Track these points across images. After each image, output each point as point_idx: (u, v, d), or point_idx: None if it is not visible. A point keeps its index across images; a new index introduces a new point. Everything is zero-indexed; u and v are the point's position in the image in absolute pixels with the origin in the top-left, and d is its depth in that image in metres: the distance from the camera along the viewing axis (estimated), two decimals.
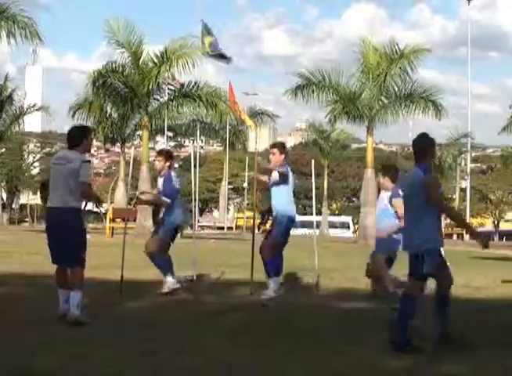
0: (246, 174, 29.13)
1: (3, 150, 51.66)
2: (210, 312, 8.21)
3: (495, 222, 66.71)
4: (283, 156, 9.71)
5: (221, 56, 32.79)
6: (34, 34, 26.32)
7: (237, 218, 59.95)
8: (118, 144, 37.48)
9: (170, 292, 9.62)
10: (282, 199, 9.52)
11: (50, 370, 5.40)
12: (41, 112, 40.45)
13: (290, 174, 9.67)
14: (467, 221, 45.67)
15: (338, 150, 51.36)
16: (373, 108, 28.91)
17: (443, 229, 11.24)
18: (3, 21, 26.18)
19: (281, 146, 9.88)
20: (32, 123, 55.70)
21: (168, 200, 9.73)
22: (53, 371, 5.37)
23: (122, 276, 9.65)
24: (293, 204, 9.73)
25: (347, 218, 59.62)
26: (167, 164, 10.00)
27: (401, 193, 9.24)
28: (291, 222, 9.55)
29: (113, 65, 27.34)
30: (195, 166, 12.62)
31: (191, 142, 59.83)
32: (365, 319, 8.08)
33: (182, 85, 28.48)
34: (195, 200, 12.73)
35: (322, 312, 8.55)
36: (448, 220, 54.02)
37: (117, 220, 28.81)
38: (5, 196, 60.49)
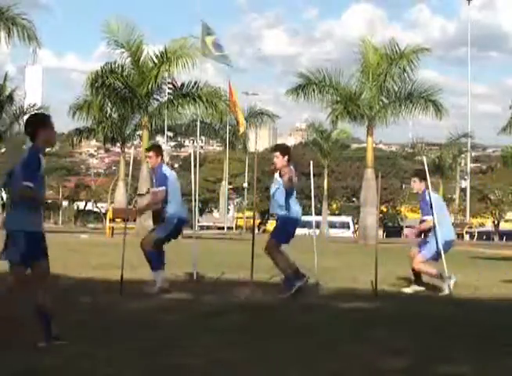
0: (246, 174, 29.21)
1: (3, 150, 51.61)
2: (210, 312, 8.21)
3: (495, 222, 66.72)
4: (286, 158, 9.77)
5: (223, 57, 32.81)
6: (33, 37, 26.38)
7: (237, 218, 59.94)
8: (118, 144, 37.47)
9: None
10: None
11: (50, 370, 5.40)
12: (41, 112, 40.44)
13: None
14: (467, 221, 45.70)
15: (338, 150, 51.39)
16: (373, 108, 28.94)
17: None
18: (3, 22, 26.23)
19: (283, 149, 9.96)
20: None
21: (160, 188, 9.89)
22: (53, 371, 5.37)
23: (122, 276, 9.65)
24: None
25: (348, 218, 59.62)
26: (159, 158, 10.21)
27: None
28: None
29: (113, 66, 27.34)
30: (195, 166, 12.62)
31: (191, 142, 59.88)
32: (365, 319, 8.08)
33: (182, 85, 28.50)
34: (195, 200, 12.73)
35: (321, 311, 8.55)
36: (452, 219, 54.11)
37: (117, 220, 28.82)
38: (5, 196, 60.45)
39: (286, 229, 9.82)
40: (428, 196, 10.46)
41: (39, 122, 6.44)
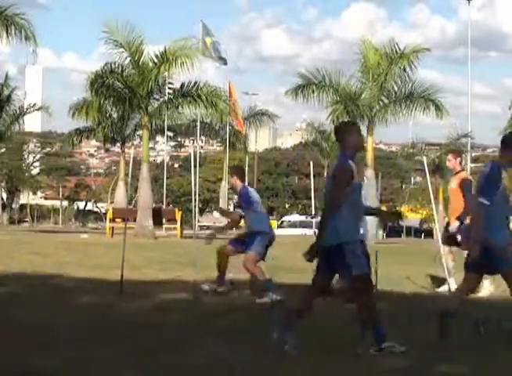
0: (247, 174, 29.20)
1: (3, 150, 51.62)
2: (211, 313, 8.21)
3: None
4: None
5: (219, 58, 33.07)
6: (31, 36, 26.35)
7: None
8: (118, 144, 37.46)
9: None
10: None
11: (50, 370, 5.40)
12: (41, 112, 40.44)
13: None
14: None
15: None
16: (373, 108, 28.91)
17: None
18: (0, 21, 26.20)
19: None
20: (32, 123, 55.62)
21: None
22: (53, 371, 5.37)
23: (122, 276, 9.65)
24: None
25: None
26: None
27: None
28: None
29: (113, 66, 27.29)
30: (195, 166, 12.62)
31: (191, 142, 59.74)
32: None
33: (182, 85, 28.46)
34: (195, 200, 12.74)
35: (321, 312, 8.53)
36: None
37: (117, 220, 28.80)
38: (5, 196, 60.42)
39: None
40: (247, 191, 10.24)
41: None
